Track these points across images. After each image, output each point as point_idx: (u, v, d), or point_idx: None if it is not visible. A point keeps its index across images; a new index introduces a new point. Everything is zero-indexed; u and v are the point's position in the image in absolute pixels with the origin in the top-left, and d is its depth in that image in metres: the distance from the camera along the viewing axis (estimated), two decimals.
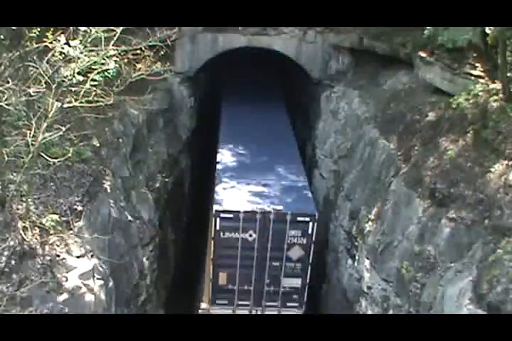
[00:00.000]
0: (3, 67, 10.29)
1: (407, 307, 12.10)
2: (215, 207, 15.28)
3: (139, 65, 12.90)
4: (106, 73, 12.25)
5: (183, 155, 21.80)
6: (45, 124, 10.11)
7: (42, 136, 10.01)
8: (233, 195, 16.19)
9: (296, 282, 15.77)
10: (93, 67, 11.22)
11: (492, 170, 11.17)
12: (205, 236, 18.70)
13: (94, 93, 11.43)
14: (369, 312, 14.00)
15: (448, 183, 11.90)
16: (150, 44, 13.58)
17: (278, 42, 20.88)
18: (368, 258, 14.37)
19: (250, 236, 15.28)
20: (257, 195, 16.30)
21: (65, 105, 10.86)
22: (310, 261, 15.54)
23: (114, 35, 11.21)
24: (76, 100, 11.01)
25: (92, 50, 10.91)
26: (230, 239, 15.26)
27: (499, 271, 9.31)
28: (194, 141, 23.33)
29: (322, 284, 18.41)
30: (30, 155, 10.13)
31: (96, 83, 11.52)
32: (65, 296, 9.92)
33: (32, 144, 10.06)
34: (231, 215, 15.09)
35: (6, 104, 9.90)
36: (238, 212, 15.08)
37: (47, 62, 10.43)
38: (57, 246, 10.60)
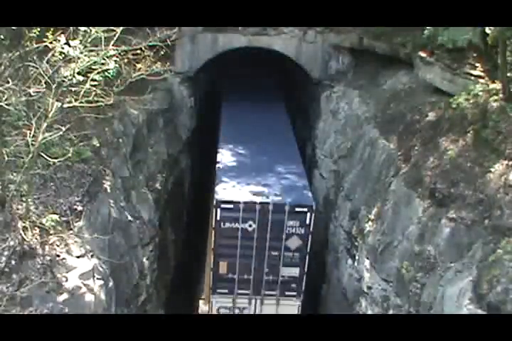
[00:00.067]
0: (3, 67, 10.29)
1: (407, 307, 12.11)
2: (216, 197, 15.55)
3: (139, 65, 12.92)
4: (106, 73, 12.25)
5: (183, 155, 21.78)
6: (45, 124, 10.12)
7: (42, 136, 10.02)
8: (233, 187, 16.43)
9: (295, 271, 15.95)
10: (93, 67, 11.24)
11: (492, 170, 11.17)
12: (205, 236, 18.71)
13: (94, 93, 11.45)
14: (369, 312, 14.00)
15: (448, 183, 11.90)
16: (150, 44, 13.60)
17: (278, 42, 20.86)
18: (367, 258, 14.38)
19: (250, 226, 15.51)
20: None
21: (65, 105, 10.88)
22: (308, 250, 15.73)
23: (114, 35, 11.23)
24: (76, 100, 11.02)
25: (92, 50, 10.92)
26: (230, 229, 15.52)
27: (499, 271, 9.31)
28: (194, 141, 23.30)
29: (322, 284, 18.41)
30: (30, 155, 10.13)
31: (96, 83, 11.53)
32: (65, 296, 9.94)
33: (32, 144, 10.06)
34: (231, 206, 15.36)
35: (6, 104, 9.91)
36: (238, 202, 15.36)
37: (47, 62, 10.44)
38: (57, 246, 10.62)
